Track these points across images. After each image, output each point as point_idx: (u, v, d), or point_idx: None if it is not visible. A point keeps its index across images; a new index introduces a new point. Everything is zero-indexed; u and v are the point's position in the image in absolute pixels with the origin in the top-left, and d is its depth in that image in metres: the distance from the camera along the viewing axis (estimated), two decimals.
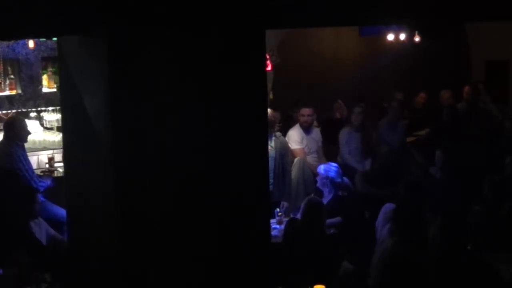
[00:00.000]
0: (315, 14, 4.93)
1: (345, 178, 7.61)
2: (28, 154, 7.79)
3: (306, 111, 8.94)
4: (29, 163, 7.52)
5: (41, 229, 6.10)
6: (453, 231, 5.74)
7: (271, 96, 10.22)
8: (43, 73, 8.74)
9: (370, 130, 9.58)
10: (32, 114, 8.80)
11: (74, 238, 5.16)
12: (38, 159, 8.55)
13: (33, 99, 8.58)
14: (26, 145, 7.70)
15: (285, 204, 7.68)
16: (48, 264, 6.01)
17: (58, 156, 8.36)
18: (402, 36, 12.51)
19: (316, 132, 9.25)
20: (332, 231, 6.98)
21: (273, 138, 7.87)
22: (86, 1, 4.23)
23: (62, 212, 6.65)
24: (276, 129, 8.25)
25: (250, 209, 4.74)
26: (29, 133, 7.66)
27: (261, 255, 4.82)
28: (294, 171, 8.34)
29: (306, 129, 8.95)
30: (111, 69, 4.29)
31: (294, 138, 8.87)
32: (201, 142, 4.55)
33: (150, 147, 4.41)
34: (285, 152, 8.24)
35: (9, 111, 8.41)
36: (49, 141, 8.69)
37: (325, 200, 7.25)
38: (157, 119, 4.41)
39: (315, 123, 9.73)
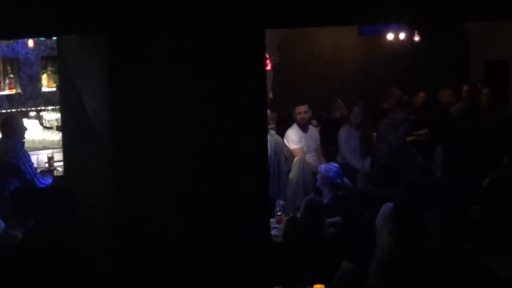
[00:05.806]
0: (315, 14, 4.93)
1: (345, 179, 7.60)
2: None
3: (301, 108, 8.95)
4: (31, 160, 7.54)
5: None
6: (453, 230, 5.73)
7: (271, 95, 10.21)
8: (43, 73, 8.74)
9: (370, 129, 9.57)
10: (32, 114, 8.80)
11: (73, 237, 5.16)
12: (37, 159, 8.53)
13: (33, 98, 8.59)
14: (26, 144, 7.70)
15: (280, 202, 7.68)
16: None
17: (58, 156, 8.35)
18: (402, 36, 12.49)
19: (314, 130, 9.24)
20: (332, 231, 6.97)
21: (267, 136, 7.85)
22: (86, 0, 4.23)
23: None
24: (271, 127, 8.23)
25: (250, 208, 4.74)
26: (26, 129, 7.66)
27: (261, 255, 4.82)
28: (294, 171, 8.34)
29: (303, 127, 8.95)
30: (111, 69, 4.29)
31: (292, 138, 8.85)
32: (201, 142, 4.55)
33: (150, 147, 4.42)
34: (279, 151, 8.21)
35: (9, 111, 8.41)
36: (48, 140, 8.69)
37: (325, 200, 7.24)
38: (156, 119, 4.42)
39: (314, 122, 9.70)
